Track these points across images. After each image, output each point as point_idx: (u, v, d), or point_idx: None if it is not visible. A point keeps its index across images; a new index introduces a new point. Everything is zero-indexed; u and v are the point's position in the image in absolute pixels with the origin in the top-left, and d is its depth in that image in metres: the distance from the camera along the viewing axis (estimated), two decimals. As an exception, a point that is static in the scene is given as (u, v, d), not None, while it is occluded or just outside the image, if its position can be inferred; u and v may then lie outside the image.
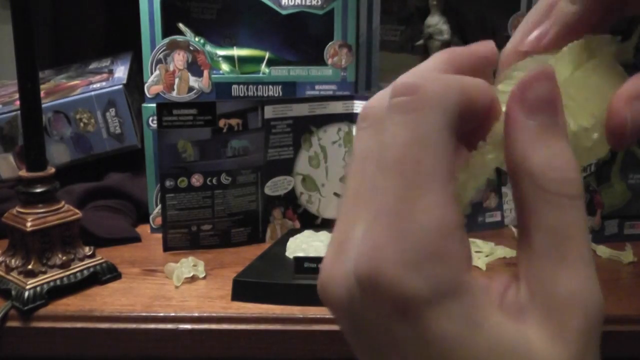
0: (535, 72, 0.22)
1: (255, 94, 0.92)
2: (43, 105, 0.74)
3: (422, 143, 0.21)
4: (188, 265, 0.76)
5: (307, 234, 0.85)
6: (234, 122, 0.84)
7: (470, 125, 0.23)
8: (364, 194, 0.22)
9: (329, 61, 0.93)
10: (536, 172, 0.21)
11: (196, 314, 0.67)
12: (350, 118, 0.92)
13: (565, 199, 0.21)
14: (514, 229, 0.89)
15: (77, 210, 0.74)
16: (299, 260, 0.73)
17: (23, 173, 0.71)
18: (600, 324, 0.21)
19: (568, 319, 0.21)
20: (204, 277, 0.76)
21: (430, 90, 0.21)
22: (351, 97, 0.92)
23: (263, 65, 0.95)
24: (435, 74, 0.24)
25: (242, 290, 0.71)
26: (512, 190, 0.23)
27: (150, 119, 0.89)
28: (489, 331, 0.20)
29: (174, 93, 0.90)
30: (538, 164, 0.21)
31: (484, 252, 0.83)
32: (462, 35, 1.01)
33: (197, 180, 0.84)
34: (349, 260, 0.22)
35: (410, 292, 0.20)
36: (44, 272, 0.70)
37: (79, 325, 0.67)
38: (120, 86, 0.93)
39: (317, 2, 0.92)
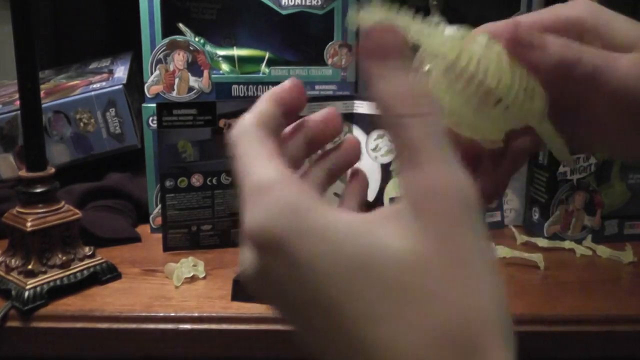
0: (377, 26, 0.26)
1: (255, 94, 0.92)
2: (43, 105, 0.74)
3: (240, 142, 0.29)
4: (188, 265, 0.76)
5: (307, 234, 0.85)
6: (234, 122, 0.84)
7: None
8: None
9: (329, 61, 0.93)
10: (382, 104, 0.25)
11: (196, 314, 0.67)
12: (350, 118, 0.92)
13: (407, 118, 0.25)
14: (514, 229, 0.89)
15: (77, 210, 0.74)
16: (299, 260, 0.73)
17: (23, 173, 0.71)
18: (469, 208, 0.24)
19: (423, 211, 0.24)
20: (204, 277, 0.76)
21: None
22: (351, 97, 0.92)
23: (263, 65, 0.95)
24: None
25: (242, 290, 0.71)
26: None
27: (150, 119, 0.89)
28: (347, 234, 0.24)
29: (174, 93, 0.90)
30: (381, 96, 0.25)
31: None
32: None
33: (197, 180, 0.84)
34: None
35: (266, 234, 0.25)
36: (44, 272, 0.70)
37: (79, 325, 0.67)
38: (120, 86, 0.93)
39: (317, 2, 0.92)
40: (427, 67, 0.33)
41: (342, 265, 0.23)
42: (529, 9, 0.95)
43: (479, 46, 0.32)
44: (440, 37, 0.31)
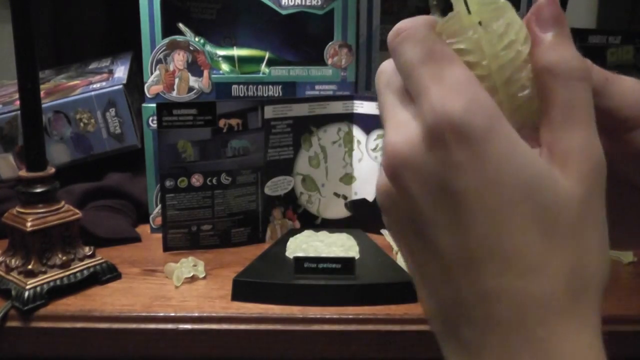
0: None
1: (255, 94, 0.92)
2: (43, 105, 0.74)
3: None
4: (188, 265, 0.76)
5: (307, 234, 0.85)
6: (234, 122, 0.84)
7: None
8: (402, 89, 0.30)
9: (329, 61, 0.93)
10: (552, 66, 0.28)
11: (196, 314, 0.67)
12: (350, 118, 0.92)
13: (573, 80, 0.28)
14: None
15: (77, 210, 0.74)
16: (299, 260, 0.73)
17: (23, 173, 0.71)
18: (604, 169, 0.28)
19: (580, 166, 0.27)
20: (204, 277, 0.76)
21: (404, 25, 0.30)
22: (351, 97, 0.92)
23: (263, 65, 0.95)
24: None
25: (242, 290, 0.71)
26: (538, 92, 0.29)
27: (150, 119, 0.89)
28: (528, 157, 0.26)
29: (174, 93, 0.90)
30: (552, 60, 0.28)
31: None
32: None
33: (197, 180, 0.84)
34: (414, 127, 0.28)
35: (472, 126, 0.26)
36: (44, 272, 0.70)
37: (79, 325, 0.67)
38: (120, 86, 0.93)
39: (317, 2, 0.92)
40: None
41: (524, 183, 0.26)
42: (529, 9, 0.95)
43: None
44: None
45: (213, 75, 0.91)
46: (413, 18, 0.30)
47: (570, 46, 0.29)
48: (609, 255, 0.28)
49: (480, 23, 0.29)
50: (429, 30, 0.29)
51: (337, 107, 0.91)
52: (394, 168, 0.28)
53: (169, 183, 0.83)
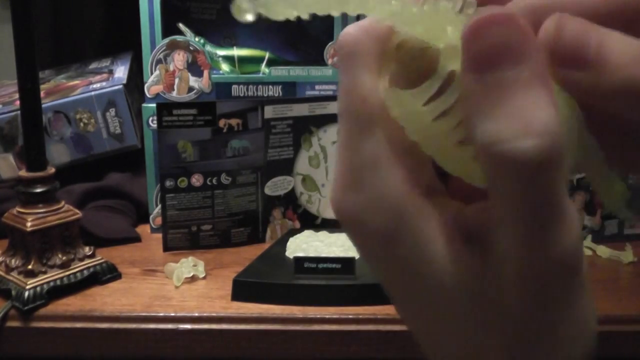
0: (482, 16, 0.18)
1: (255, 94, 0.92)
2: (43, 105, 0.74)
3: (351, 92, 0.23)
4: (188, 265, 0.76)
5: (307, 234, 0.85)
6: (234, 122, 0.84)
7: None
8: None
9: (329, 61, 0.93)
10: (482, 148, 0.18)
11: (196, 314, 0.67)
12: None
13: (522, 172, 0.18)
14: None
15: (77, 210, 0.74)
16: (299, 260, 0.73)
17: (23, 173, 0.71)
18: (575, 270, 0.20)
19: (545, 271, 0.20)
20: (204, 277, 0.76)
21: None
22: (351, 97, 0.92)
23: (263, 65, 0.95)
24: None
25: (242, 290, 0.71)
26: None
27: (150, 119, 0.89)
28: (436, 264, 0.21)
29: (174, 93, 0.90)
30: (482, 141, 0.18)
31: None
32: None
33: (197, 180, 0.84)
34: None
35: (365, 229, 0.22)
36: (44, 272, 0.70)
37: (79, 325, 0.67)
38: (120, 86, 0.93)
39: (317, 2, 0.92)
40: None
41: (421, 292, 0.23)
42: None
43: None
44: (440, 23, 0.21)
45: (213, 75, 0.91)
46: (360, 27, 0.24)
47: (521, 106, 0.18)
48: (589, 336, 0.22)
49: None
50: (361, 50, 0.23)
51: (337, 107, 0.91)
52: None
53: (169, 183, 0.83)
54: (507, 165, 0.18)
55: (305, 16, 0.22)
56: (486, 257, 0.21)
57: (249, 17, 0.22)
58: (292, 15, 0.22)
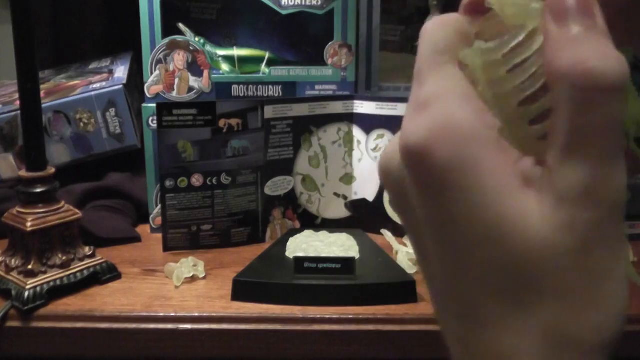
0: None
1: (255, 94, 0.92)
2: (43, 105, 0.74)
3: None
4: (188, 265, 0.76)
5: (307, 234, 0.85)
6: (234, 122, 0.84)
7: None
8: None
9: (329, 61, 0.93)
10: (562, 72, 0.21)
11: (196, 314, 0.67)
12: (350, 118, 0.92)
13: (591, 93, 0.21)
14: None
15: (77, 210, 0.74)
16: (299, 260, 0.73)
17: (23, 173, 0.71)
18: (618, 217, 0.22)
19: (577, 212, 0.21)
20: (204, 277, 0.76)
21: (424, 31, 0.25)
22: (351, 97, 0.92)
23: (263, 65, 0.95)
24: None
25: (242, 290, 0.71)
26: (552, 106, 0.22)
27: (150, 119, 0.89)
28: (498, 194, 0.22)
29: (174, 93, 0.90)
30: (565, 63, 0.21)
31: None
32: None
33: (197, 180, 0.84)
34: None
35: (429, 155, 0.22)
36: (44, 272, 0.70)
37: (79, 325, 0.67)
38: (120, 86, 0.93)
39: (317, 2, 0.92)
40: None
41: (483, 225, 0.22)
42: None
43: None
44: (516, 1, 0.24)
45: (213, 75, 0.91)
46: (447, 18, 0.26)
47: (598, 43, 0.21)
48: (616, 313, 0.23)
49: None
50: (446, 33, 0.25)
51: (337, 107, 0.91)
52: (382, 163, 0.26)
53: (169, 183, 0.83)
54: (592, 82, 0.21)
55: None
56: (542, 198, 0.22)
57: None
58: None
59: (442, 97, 0.23)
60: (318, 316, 0.68)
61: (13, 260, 0.70)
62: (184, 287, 0.74)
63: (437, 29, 0.25)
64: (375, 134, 0.91)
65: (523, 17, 0.23)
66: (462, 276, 0.23)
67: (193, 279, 0.76)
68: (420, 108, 0.23)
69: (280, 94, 0.93)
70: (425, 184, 0.23)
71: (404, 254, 0.79)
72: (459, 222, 0.22)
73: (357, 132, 0.92)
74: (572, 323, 0.22)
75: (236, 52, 0.96)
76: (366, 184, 0.92)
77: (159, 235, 0.85)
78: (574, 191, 0.21)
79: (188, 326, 0.67)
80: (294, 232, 0.87)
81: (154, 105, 0.84)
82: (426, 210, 0.24)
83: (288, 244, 0.82)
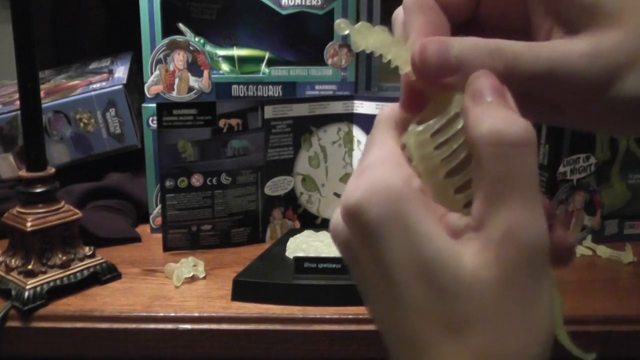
0: (477, 73, 0.27)
1: (255, 94, 0.92)
2: (43, 105, 0.74)
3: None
4: (188, 265, 0.76)
5: (307, 234, 0.85)
6: (234, 122, 0.84)
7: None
8: None
9: (329, 61, 0.93)
10: (480, 134, 0.25)
11: (196, 314, 0.67)
12: (350, 118, 0.92)
13: (504, 147, 0.25)
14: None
15: (77, 210, 0.74)
16: (299, 260, 0.73)
17: (23, 173, 0.71)
18: (540, 253, 0.25)
19: (503, 251, 0.25)
20: (204, 277, 0.76)
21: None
22: (351, 97, 0.92)
23: (263, 65, 0.95)
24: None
25: (242, 290, 0.71)
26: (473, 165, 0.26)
27: (150, 119, 0.89)
28: (428, 240, 0.25)
29: (174, 93, 0.90)
30: (482, 129, 0.25)
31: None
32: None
33: (197, 180, 0.84)
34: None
35: (363, 214, 0.27)
36: (44, 272, 0.70)
37: (79, 325, 0.67)
38: (120, 86, 0.93)
39: (317, 2, 0.92)
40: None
41: (416, 266, 0.26)
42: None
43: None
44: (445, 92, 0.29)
45: (213, 75, 0.91)
46: (396, 105, 0.31)
47: (506, 113, 0.26)
48: (540, 338, 0.25)
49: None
50: (388, 117, 0.30)
51: (337, 107, 0.91)
52: (331, 224, 0.30)
53: (169, 183, 0.83)
54: (503, 139, 0.25)
55: (368, 51, 0.31)
56: (462, 241, 0.26)
57: (345, 32, 0.31)
58: (366, 47, 0.30)
59: (377, 166, 0.28)
60: (318, 316, 0.67)
61: (13, 260, 0.70)
62: (184, 287, 0.74)
63: (389, 114, 0.31)
64: (375, 134, 0.91)
65: (449, 104, 0.28)
66: (403, 310, 0.26)
67: (193, 279, 0.76)
68: (359, 174, 0.28)
69: (280, 94, 0.93)
70: (362, 237, 0.27)
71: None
72: (395, 266, 0.26)
73: (357, 132, 0.92)
74: (498, 345, 0.25)
75: (236, 52, 0.96)
76: (366, 184, 0.92)
77: (159, 235, 0.85)
78: (497, 234, 0.25)
79: (188, 326, 0.67)
80: (294, 232, 0.87)
81: (154, 105, 0.84)
82: (367, 259, 0.27)
83: (288, 244, 0.82)
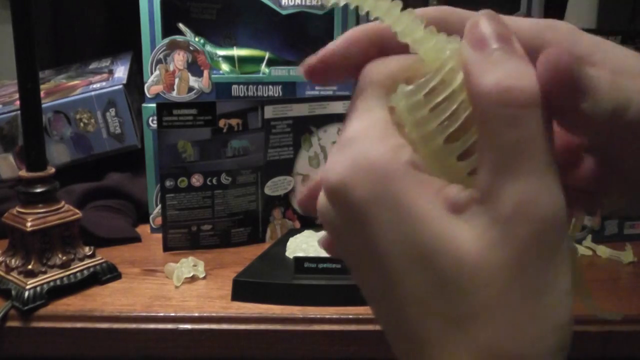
0: (476, 17, 0.24)
1: (255, 94, 0.92)
2: (43, 105, 0.74)
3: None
4: (188, 265, 0.76)
5: (307, 234, 0.85)
6: (234, 122, 0.84)
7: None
8: None
9: (329, 61, 0.93)
10: (486, 91, 0.22)
11: (196, 314, 0.67)
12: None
13: (514, 109, 0.21)
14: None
15: (77, 210, 0.74)
16: (299, 260, 0.73)
17: (23, 173, 0.71)
18: (556, 230, 0.22)
19: (513, 228, 0.21)
20: (204, 277, 0.76)
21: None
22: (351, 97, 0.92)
23: (263, 65, 0.95)
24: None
25: (242, 290, 0.71)
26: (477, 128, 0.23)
27: (150, 119, 0.89)
28: (421, 221, 0.22)
29: (174, 93, 0.90)
30: (488, 84, 0.22)
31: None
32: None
33: (197, 180, 0.84)
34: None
35: (348, 193, 0.23)
36: (44, 272, 0.70)
37: (79, 325, 0.67)
38: (120, 86, 0.93)
39: (317, 2, 0.92)
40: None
41: (410, 253, 0.23)
42: (529, 9, 0.95)
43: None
44: (435, 43, 0.24)
45: (213, 75, 0.91)
46: (382, 62, 0.26)
47: (515, 63, 0.22)
48: (558, 325, 0.22)
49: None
50: (380, 76, 0.26)
51: (337, 107, 0.91)
52: (318, 201, 0.27)
53: (169, 183, 0.83)
54: (514, 99, 0.21)
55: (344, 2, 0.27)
56: (466, 219, 0.22)
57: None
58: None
59: (360, 138, 0.24)
60: (318, 316, 0.67)
61: (13, 260, 0.70)
62: (184, 287, 0.74)
63: (373, 71, 0.26)
64: (375, 134, 0.91)
65: (442, 57, 0.24)
66: (400, 300, 0.23)
67: (193, 279, 0.76)
68: (341, 147, 0.24)
69: (280, 94, 0.93)
70: (349, 221, 0.24)
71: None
72: (387, 254, 0.23)
73: (357, 132, 0.92)
74: (508, 339, 0.21)
75: (236, 52, 0.96)
76: (366, 184, 0.92)
77: (159, 235, 0.85)
78: (507, 208, 0.21)
79: (188, 326, 0.67)
80: (294, 232, 0.87)
81: (154, 105, 0.84)
82: (356, 245, 0.24)
83: (288, 244, 0.82)
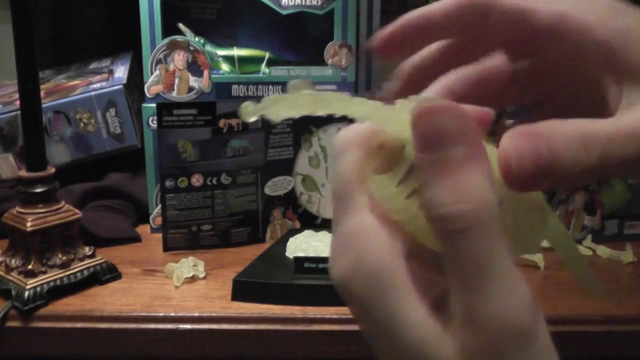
0: (420, 107, 0.22)
1: (255, 94, 0.92)
2: (43, 105, 0.74)
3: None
4: (188, 265, 0.76)
5: (307, 234, 0.85)
6: (234, 122, 0.84)
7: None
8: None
9: (329, 61, 0.93)
10: (427, 208, 0.22)
11: (196, 314, 0.67)
12: (350, 118, 0.92)
13: (455, 233, 0.21)
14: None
15: (77, 210, 0.74)
16: (299, 260, 0.73)
17: (23, 173, 0.71)
18: (513, 337, 0.22)
19: (467, 338, 0.22)
20: (204, 277, 0.76)
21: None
22: (351, 97, 0.92)
23: (263, 65, 0.95)
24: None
25: (242, 290, 0.71)
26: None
27: (150, 119, 0.89)
28: (411, 322, 0.23)
29: (174, 93, 0.90)
30: (428, 201, 0.22)
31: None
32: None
33: (197, 180, 0.84)
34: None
35: (350, 289, 0.24)
36: (44, 272, 0.70)
37: (79, 325, 0.67)
38: (120, 86, 0.93)
39: (317, 2, 0.92)
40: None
41: (395, 348, 0.24)
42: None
43: None
44: (401, 119, 0.24)
45: (213, 75, 0.91)
46: (354, 127, 0.27)
47: (459, 179, 0.21)
48: None
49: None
50: (355, 163, 0.26)
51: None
52: None
53: (169, 183, 0.83)
54: (444, 227, 0.21)
55: (297, 116, 0.27)
56: (446, 325, 0.23)
57: (253, 119, 0.27)
58: (289, 115, 0.27)
59: (356, 239, 0.24)
60: (318, 316, 0.67)
61: (13, 260, 0.70)
62: (184, 287, 0.74)
63: (348, 137, 0.27)
64: (375, 134, 0.91)
65: (405, 137, 0.24)
66: None
67: (193, 279, 0.76)
68: (340, 248, 0.25)
69: (280, 94, 0.93)
70: (352, 311, 0.25)
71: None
72: (379, 345, 0.25)
73: (357, 132, 0.92)
74: None
75: (236, 52, 0.96)
76: (366, 184, 0.92)
77: (159, 235, 0.85)
78: (459, 319, 0.22)
79: (188, 326, 0.67)
80: (294, 232, 0.87)
81: (154, 105, 0.84)
82: (361, 327, 0.26)
83: (288, 244, 0.82)
